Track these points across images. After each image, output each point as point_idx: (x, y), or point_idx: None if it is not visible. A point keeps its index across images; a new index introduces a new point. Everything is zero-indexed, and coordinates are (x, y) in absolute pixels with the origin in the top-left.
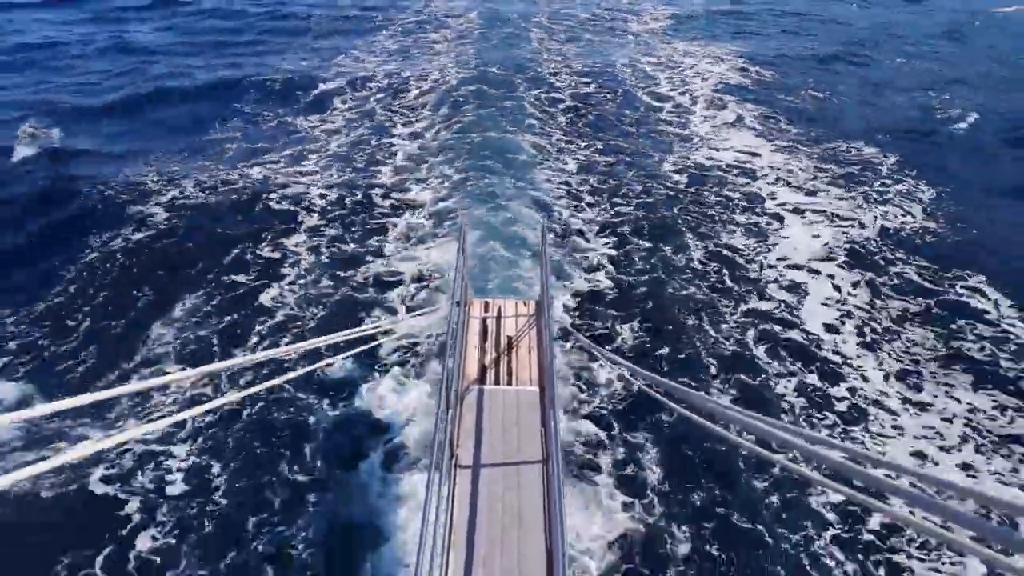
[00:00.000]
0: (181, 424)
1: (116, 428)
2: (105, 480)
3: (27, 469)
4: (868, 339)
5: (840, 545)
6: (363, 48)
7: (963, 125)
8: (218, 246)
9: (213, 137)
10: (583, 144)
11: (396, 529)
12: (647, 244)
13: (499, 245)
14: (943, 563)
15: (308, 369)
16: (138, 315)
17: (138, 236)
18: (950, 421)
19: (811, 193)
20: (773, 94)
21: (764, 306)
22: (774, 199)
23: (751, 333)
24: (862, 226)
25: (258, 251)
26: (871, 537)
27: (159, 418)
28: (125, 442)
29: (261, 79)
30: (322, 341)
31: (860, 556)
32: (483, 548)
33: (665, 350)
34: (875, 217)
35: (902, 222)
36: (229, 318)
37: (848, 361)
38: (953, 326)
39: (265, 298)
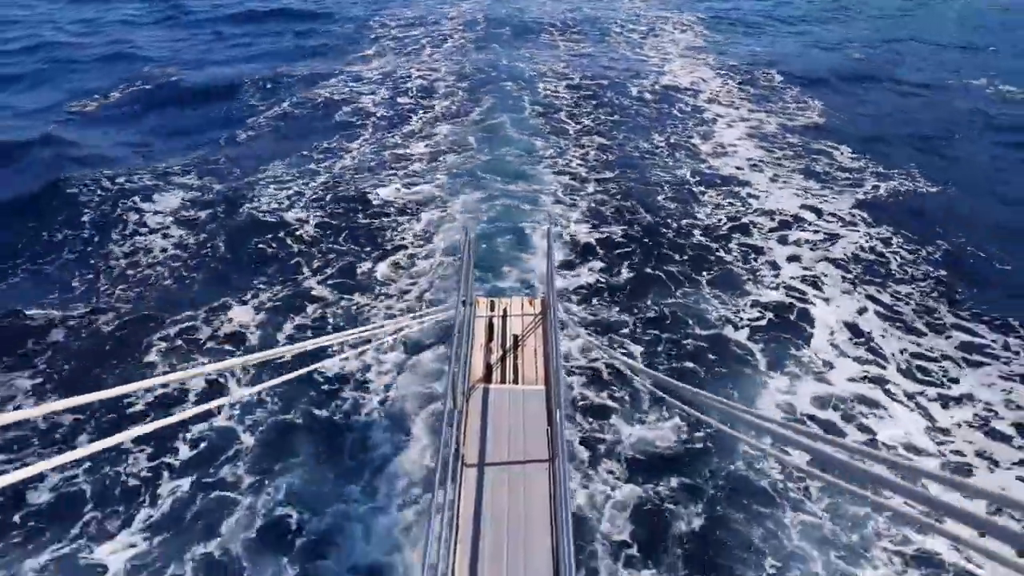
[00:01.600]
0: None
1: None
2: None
3: (27, 469)
4: (758, 166)
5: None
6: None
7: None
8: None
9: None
10: (577, 76)
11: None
12: (623, 134)
13: (506, 119)
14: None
15: (314, 367)
16: (271, 153)
17: (264, 116)
18: (797, 194)
19: (736, 107)
20: (723, 48)
21: (696, 163)
22: (710, 111)
23: (688, 170)
24: (767, 124)
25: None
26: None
27: (160, 418)
28: (122, 443)
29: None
30: (328, 340)
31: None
32: (489, 548)
33: (633, 175)
34: (775, 119)
35: (791, 122)
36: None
37: (744, 176)
38: (811, 159)
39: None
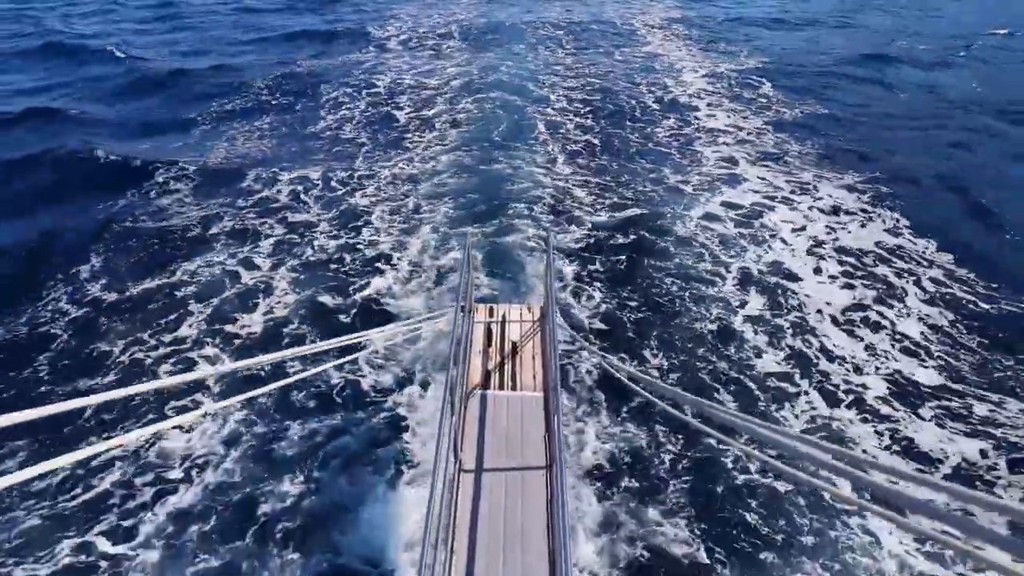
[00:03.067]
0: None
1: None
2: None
3: (26, 470)
4: (702, 98)
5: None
6: None
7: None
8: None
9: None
10: (569, 48)
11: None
12: (606, 80)
13: (504, 67)
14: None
15: (310, 372)
16: (297, 107)
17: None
18: (730, 133)
19: (698, 59)
20: (692, 23)
21: (663, 96)
22: (679, 65)
23: (652, 97)
24: (719, 67)
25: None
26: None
27: (149, 424)
28: (109, 449)
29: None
30: (325, 345)
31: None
32: (486, 554)
33: (610, 106)
34: (725, 66)
35: (736, 70)
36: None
37: (691, 102)
38: (744, 90)
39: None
